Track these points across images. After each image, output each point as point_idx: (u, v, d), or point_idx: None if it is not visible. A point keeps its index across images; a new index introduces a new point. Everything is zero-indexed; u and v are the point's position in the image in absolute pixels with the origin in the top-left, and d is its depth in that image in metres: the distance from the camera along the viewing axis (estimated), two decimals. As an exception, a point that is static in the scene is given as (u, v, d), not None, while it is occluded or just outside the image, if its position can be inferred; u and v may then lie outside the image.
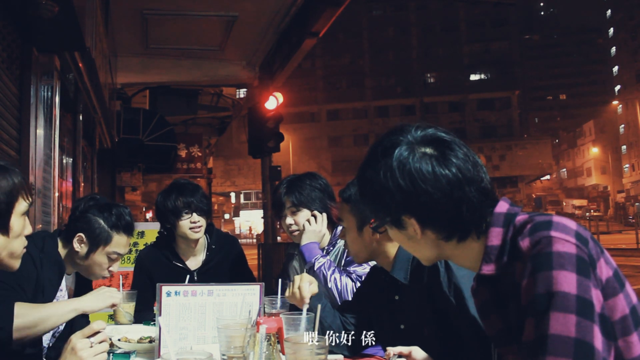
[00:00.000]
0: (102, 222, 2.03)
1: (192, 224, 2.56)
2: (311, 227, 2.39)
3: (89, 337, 1.39)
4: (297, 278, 1.90)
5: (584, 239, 1.06)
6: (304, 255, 2.33)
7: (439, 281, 1.66)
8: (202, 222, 2.58)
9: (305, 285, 1.86)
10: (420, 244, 1.23)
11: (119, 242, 2.06)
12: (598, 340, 0.98)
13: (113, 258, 2.07)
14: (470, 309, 1.58)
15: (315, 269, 2.25)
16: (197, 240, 2.64)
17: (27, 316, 1.69)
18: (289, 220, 2.45)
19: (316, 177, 2.51)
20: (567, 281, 1.00)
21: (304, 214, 2.43)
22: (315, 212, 2.42)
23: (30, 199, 1.45)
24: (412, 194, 1.14)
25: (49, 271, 1.96)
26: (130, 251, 4.25)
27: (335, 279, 2.22)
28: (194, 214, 2.55)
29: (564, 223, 1.08)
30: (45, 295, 1.94)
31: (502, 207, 1.18)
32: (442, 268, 1.67)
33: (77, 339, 1.37)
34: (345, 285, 2.21)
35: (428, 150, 1.16)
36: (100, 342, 1.39)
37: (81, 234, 2.01)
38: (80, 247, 2.02)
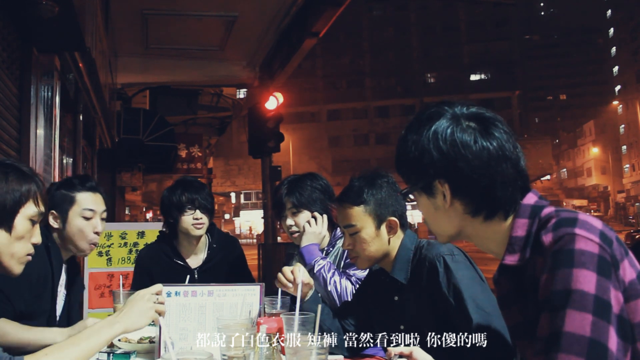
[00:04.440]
0: (63, 190, 2.10)
1: (194, 220, 2.57)
2: (311, 228, 2.39)
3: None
4: (288, 267, 1.95)
5: (608, 239, 1.05)
6: (304, 257, 2.33)
7: (438, 282, 1.67)
8: (204, 219, 2.60)
9: (296, 269, 1.90)
10: (445, 216, 1.23)
11: (85, 198, 2.10)
12: (613, 342, 0.97)
13: (88, 216, 2.08)
14: (470, 310, 1.58)
15: (315, 271, 2.25)
16: (198, 238, 2.66)
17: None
18: (289, 221, 2.45)
19: (317, 178, 2.51)
20: (586, 280, 1.00)
21: (305, 215, 2.43)
22: (316, 214, 2.42)
23: (40, 207, 1.47)
24: (451, 158, 1.16)
25: (55, 259, 2.02)
26: (130, 251, 4.26)
27: (335, 281, 2.22)
28: (197, 211, 2.57)
29: (590, 221, 1.07)
30: (54, 283, 2.01)
31: (530, 199, 1.19)
32: (442, 269, 1.68)
33: (147, 292, 1.53)
34: (345, 289, 2.21)
35: (472, 124, 1.18)
36: (161, 303, 1.55)
37: (52, 211, 2.07)
38: (56, 222, 2.08)
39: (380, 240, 1.87)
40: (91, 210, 2.09)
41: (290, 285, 1.91)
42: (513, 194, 1.17)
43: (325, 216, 2.43)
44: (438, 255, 1.71)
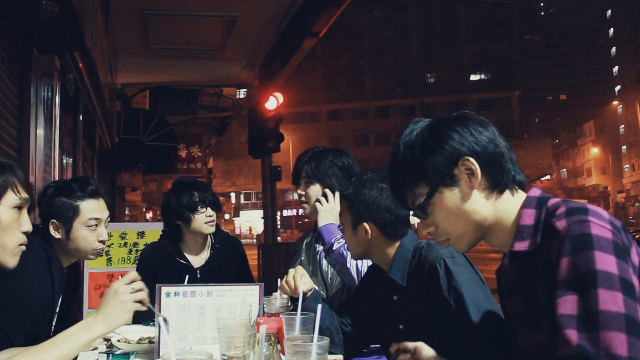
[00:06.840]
0: (64, 199, 2.00)
1: (207, 218, 2.63)
2: (323, 207, 2.32)
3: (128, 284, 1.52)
4: (291, 270, 1.92)
5: (617, 227, 1.10)
6: (323, 236, 2.26)
7: (439, 284, 1.65)
8: (215, 216, 2.66)
9: (298, 276, 1.88)
10: (473, 202, 1.25)
11: (89, 208, 2.01)
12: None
13: (92, 225, 2.00)
14: (471, 313, 1.57)
15: (334, 248, 2.19)
16: (206, 236, 2.70)
17: None
18: (300, 190, 2.43)
19: (341, 155, 2.46)
20: (607, 262, 1.03)
21: (315, 188, 2.39)
22: (326, 190, 2.35)
23: (22, 194, 1.46)
24: (470, 134, 1.26)
25: (57, 281, 1.94)
26: (130, 251, 4.26)
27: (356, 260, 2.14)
28: (209, 209, 2.63)
29: (599, 211, 1.13)
30: (54, 307, 1.95)
31: (535, 192, 1.28)
32: (442, 271, 1.66)
33: (119, 284, 1.50)
34: (365, 268, 2.13)
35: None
36: (138, 290, 1.52)
37: (53, 220, 1.99)
38: (58, 232, 1.99)
39: (356, 240, 1.85)
40: (96, 219, 2.02)
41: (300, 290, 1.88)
42: (512, 167, 1.27)
43: (337, 193, 2.32)
44: (438, 258, 1.68)
